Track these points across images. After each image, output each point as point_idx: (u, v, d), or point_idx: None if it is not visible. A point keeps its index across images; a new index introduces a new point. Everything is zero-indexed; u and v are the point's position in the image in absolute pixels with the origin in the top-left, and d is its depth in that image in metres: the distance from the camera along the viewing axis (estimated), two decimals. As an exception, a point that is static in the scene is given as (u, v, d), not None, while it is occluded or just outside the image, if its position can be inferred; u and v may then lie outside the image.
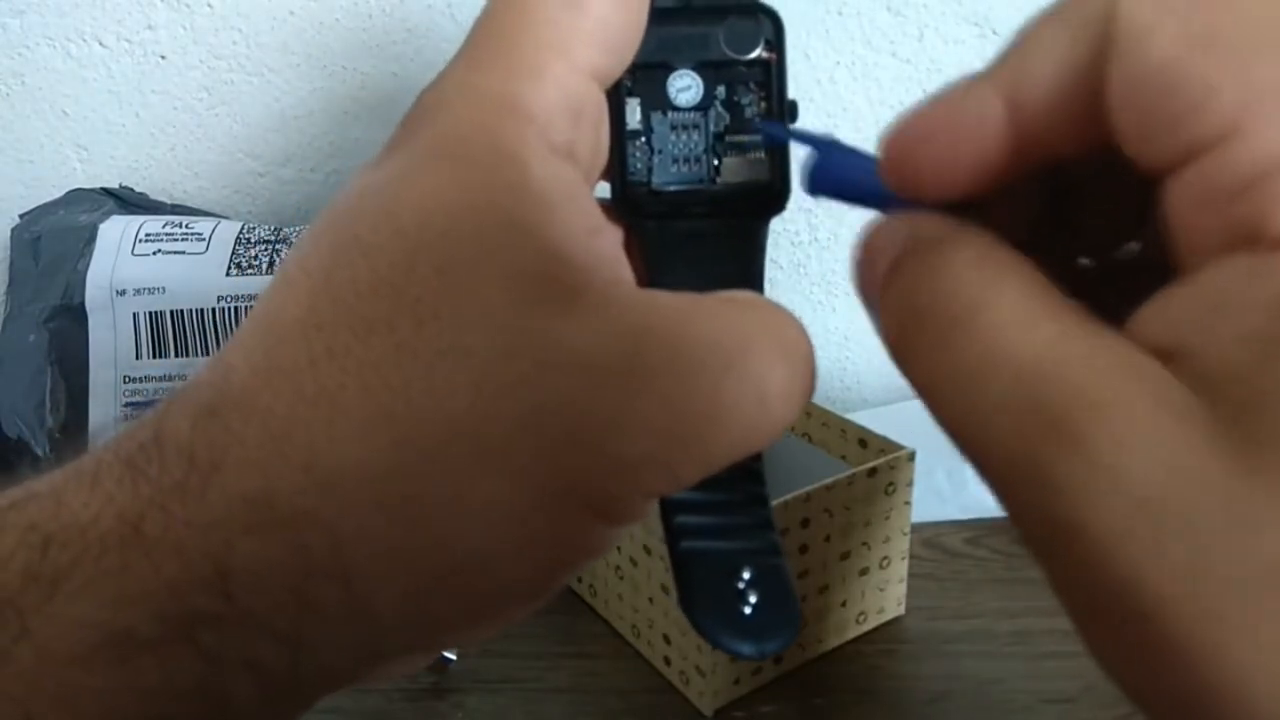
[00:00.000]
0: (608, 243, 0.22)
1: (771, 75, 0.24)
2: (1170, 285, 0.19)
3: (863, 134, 0.64)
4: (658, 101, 0.24)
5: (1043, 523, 0.17)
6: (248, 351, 0.18)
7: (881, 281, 0.21)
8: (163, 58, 0.62)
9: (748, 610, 0.22)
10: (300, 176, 0.64)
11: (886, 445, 0.46)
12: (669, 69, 0.24)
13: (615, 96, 0.23)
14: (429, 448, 0.17)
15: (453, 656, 0.44)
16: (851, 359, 0.70)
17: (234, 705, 0.17)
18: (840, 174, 0.23)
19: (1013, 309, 0.19)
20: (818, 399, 0.50)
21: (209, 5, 0.61)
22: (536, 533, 0.18)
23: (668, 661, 0.41)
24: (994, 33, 0.62)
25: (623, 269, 0.23)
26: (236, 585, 0.17)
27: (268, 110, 0.63)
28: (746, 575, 0.22)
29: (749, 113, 0.24)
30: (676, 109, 0.24)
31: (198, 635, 0.17)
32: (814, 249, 0.66)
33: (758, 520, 0.23)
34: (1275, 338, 0.17)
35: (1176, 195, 0.18)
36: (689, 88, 0.24)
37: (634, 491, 0.19)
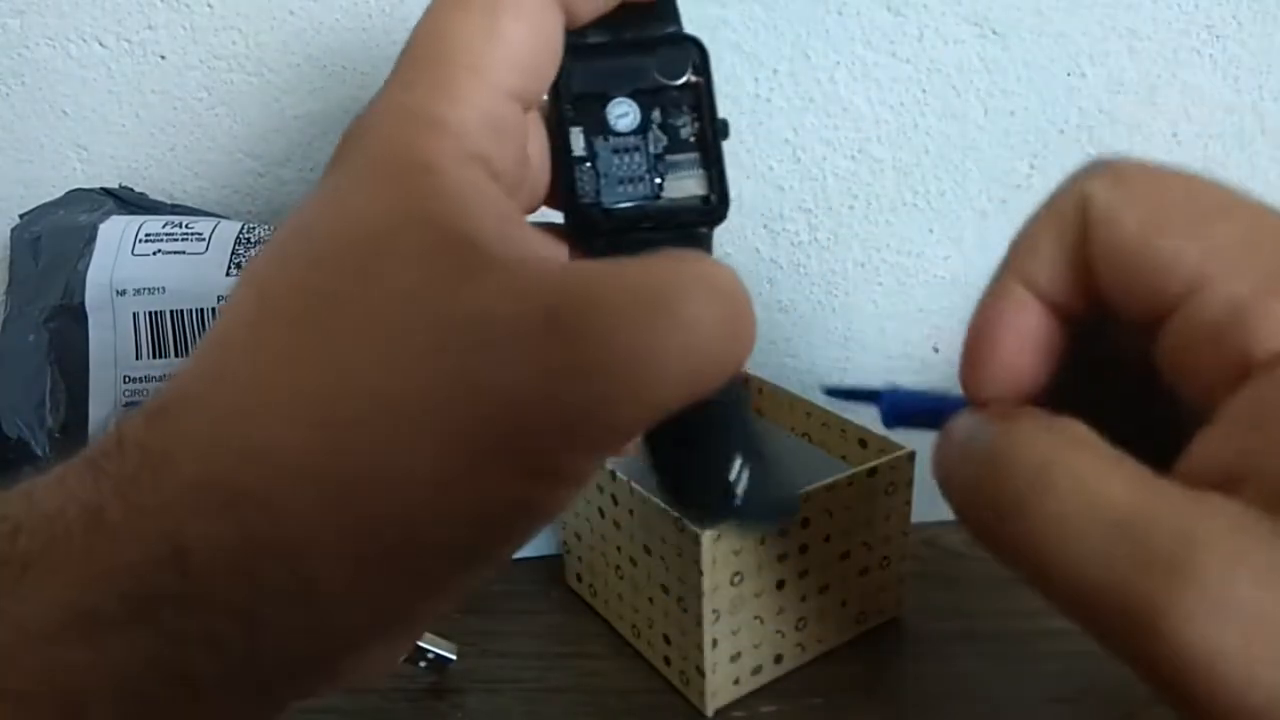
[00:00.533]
0: (526, 234, 0.22)
1: (701, 97, 0.26)
2: (1201, 430, 0.22)
3: (863, 134, 0.64)
4: (599, 128, 0.26)
5: (1160, 657, 0.19)
6: (197, 359, 0.20)
7: (961, 454, 0.25)
8: (163, 58, 0.62)
9: (737, 502, 0.23)
10: (300, 176, 0.64)
11: (886, 445, 0.46)
12: (607, 98, 0.26)
13: (559, 127, 0.25)
14: (350, 422, 0.18)
15: (453, 656, 0.44)
16: (851, 359, 0.70)
17: (199, 682, 0.18)
18: (909, 409, 0.27)
19: (1092, 463, 0.22)
20: (818, 399, 0.50)
21: (209, 5, 0.61)
22: (468, 497, 0.19)
23: (668, 661, 0.41)
24: (994, 33, 0.62)
25: (545, 253, 0.23)
26: (192, 564, 0.18)
27: (268, 110, 0.63)
28: (736, 465, 0.23)
29: (684, 133, 0.26)
30: (617, 134, 0.26)
31: (159, 613, 0.18)
32: (814, 249, 0.66)
33: (737, 419, 0.24)
34: None
35: (1168, 345, 0.23)
36: (626, 114, 0.26)
37: (568, 449, 0.19)
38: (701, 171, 0.26)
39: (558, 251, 0.26)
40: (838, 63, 0.63)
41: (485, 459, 0.18)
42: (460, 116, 0.21)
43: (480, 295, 0.19)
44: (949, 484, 0.26)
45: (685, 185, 0.26)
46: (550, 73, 0.24)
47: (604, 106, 0.26)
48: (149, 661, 0.18)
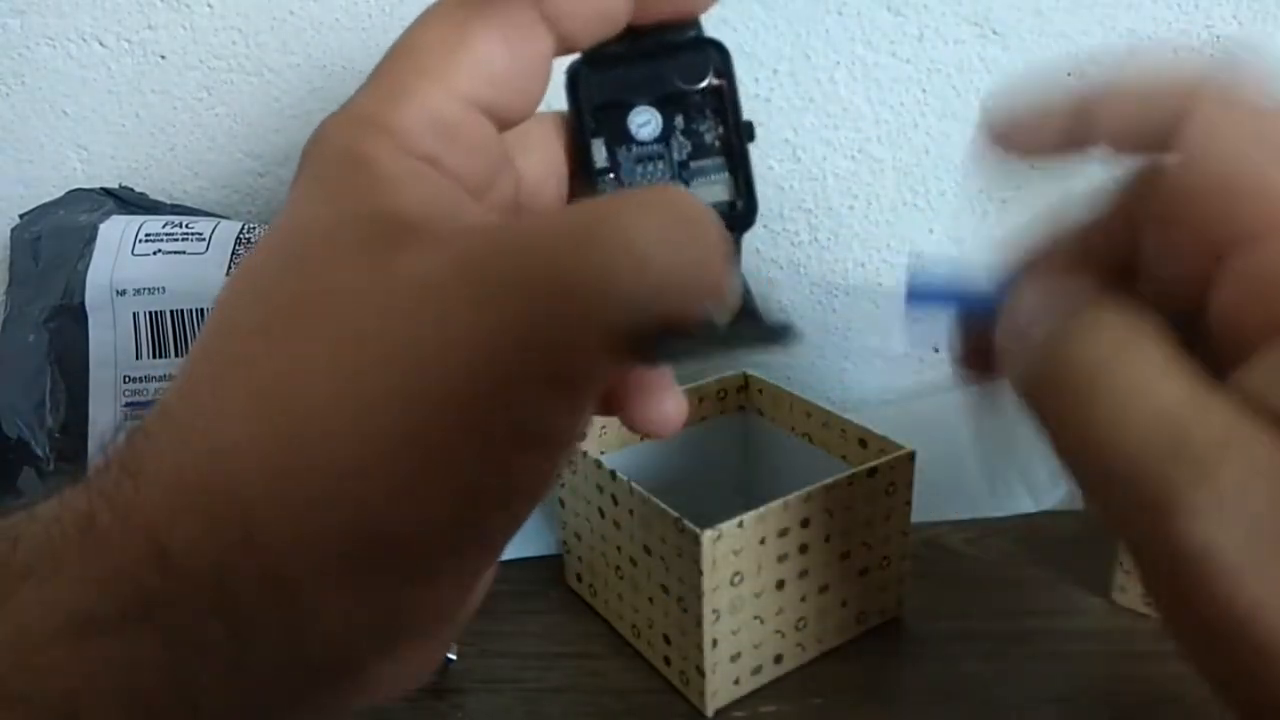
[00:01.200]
0: (470, 210, 0.22)
1: (724, 101, 0.25)
2: (1246, 364, 0.23)
3: (863, 134, 0.64)
4: (621, 138, 0.25)
5: (1167, 543, 0.20)
6: (173, 379, 0.20)
7: (1025, 342, 0.25)
8: (162, 58, 0.62)
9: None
10: (300, 176, 0.64)
11: (886, 445, 0.46)
12: (628, 106, 0.25)
13: (579, 139, 0.25)
14: (305, 415, 0.18)
15: (453, 656, 0.44)
16: (851, 359, 0.70)
17: (196, 688, 0.18)
18: (939, 285, 0.27)
19: (1150, 363, 0.23)
20: (817, 399, 0.50)
21: (209, 5, 0.61)
22: (440, 473, 0.18)
23: (668, 661, 0.41)
24: (994, 33, 0.62)
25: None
26: (173, 564, 0.18)
27: (268, 110, 0.63)
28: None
29: (708, 138, 0.26)
30: (639, 143, 0.25)
31: (155, 614, 0.18)
32: (814, 249, 0.66)
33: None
34: None
35: (1232, 281, 0.23)
36: (648, 122, 0.25)
37: (547, 395, 0.19)
38: (727, 176, 0.26)
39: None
40: (838, 63, 0.63)
41: (440, 426, 0.18)
42: (402, 117, 0.21)
43: (413, 263, 0.19)
44: (1011, 369, 0.25)
45: (711, 191, 0.26)
46: (534, 91, 0.23)
47: (625, 115, 0.25)
48: (146, 664, 0.18)
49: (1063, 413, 0.24)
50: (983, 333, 0.27)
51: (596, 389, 0.20)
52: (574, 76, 0.25)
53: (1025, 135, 0.25)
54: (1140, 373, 0.23)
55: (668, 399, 0.25)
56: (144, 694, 0.18)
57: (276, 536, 0.18)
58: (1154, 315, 0.24)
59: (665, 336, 0.19)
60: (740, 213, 0.26)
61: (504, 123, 0.23)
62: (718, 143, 0.26)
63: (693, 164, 0.26)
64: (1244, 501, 0.21)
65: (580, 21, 0.23)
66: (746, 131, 0.26)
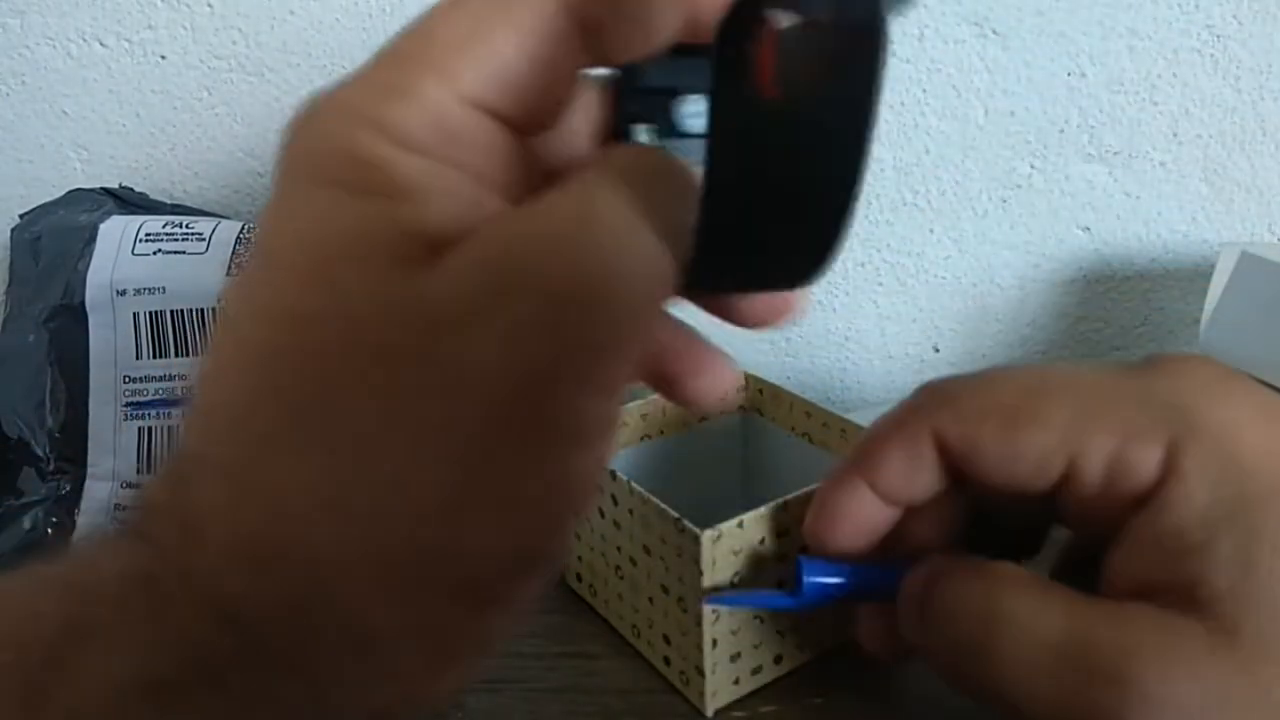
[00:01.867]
0: (489, 207, 0.21)
1: None
2: (1112, 549, 0.29)
3: (863, 134, 0.64)
4: (667, 128, 0.23)
5: None
6: (197, 413, 0.20)
7: (917, 614, 0.31)
8: (163, 58, 0.62)
9: None
10: (300, 176, 0.64)
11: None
12: (676, 94, 0.23)
13: (619, 120, 0.23)
14: (349, 446, 0.18)
15: (453, 656, 0.44)
16: (851, 359, 0.70)
17: None
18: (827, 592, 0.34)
19: (1027, 601, 0.28)
20: (818, 399, 0.50)
21: (209, 5, 0.61)
22: (492, 485, 0.18)
23: (667, 661, 0.41)
24: (994, 33, 0.62)
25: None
26: (245, 625, 0.18)
27: (268, 110, 0.63)
28: None
29: None
30: (686, 135, 0.23)
31: (225, 678, 0.18)
32: (814, 249, 0.66)
33: None
34: (1251, 562, 0.26)
35: (1066, 502, 0.30)
36: (699, 115, 0.23)
37: (579, 391, 0.18)
38: None
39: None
40: (838, 63, 0.63)
41: (498, 439, 0.18)
42: (403, 116, 0.20)
43: (440, 280, 0.18)
44: (915, 643, 0.31)
45: None
46: (554, 103, 0.21)
47: (673, 104, 0.23)
48: None
49: (964, 664, 0.29)
50: (880, 613, 0.34)
51: (626, 371, 0.19)
52: None
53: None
54: (1021, 614, 0.28)
55: (718, 370, 0.24)
56: None
57: (350, 584, 0.18)
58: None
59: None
60: None
61: (520, 129, 0.21)
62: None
63: None
64: (1170, 691, 0.25)
65: (621, 39, 0.20)
66: None
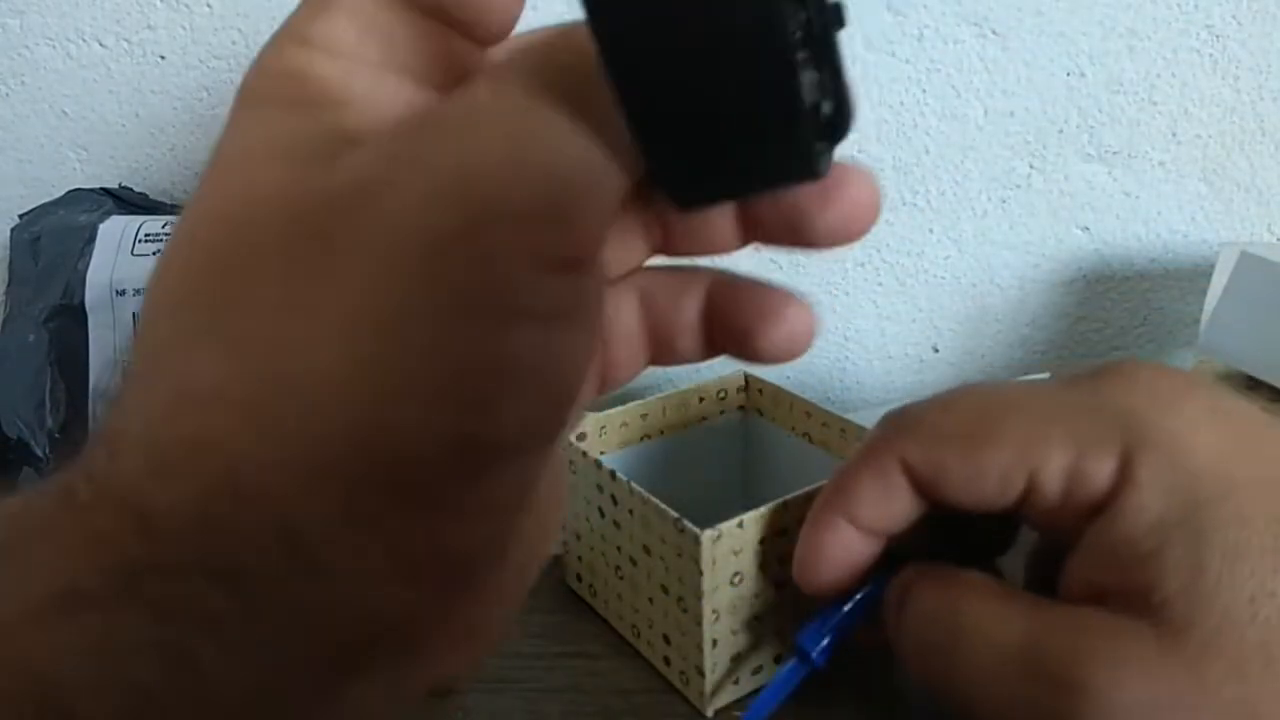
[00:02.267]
0: (402, 100, 0.20)
1: None
2: (1070, 555, 0.30)
3: (863, 134, 0.64)
4: None
5: None
6: (134, 343, 0.19)
7: (894, 623, 0.32)
8: (162, 58, 0.62)
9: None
10: (300, 176, 0.64)
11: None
12: None
13: None
14: (269, 338, 0.17)
15: (453, 656, 0.44)
16: (851, 359, 0.70)
17: (205, 672, 0.16)
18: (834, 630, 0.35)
19: (987, 609, 0.30)
20: (817, 399, 0.50)
21: (208, 5, 0.61)
22: (412, 360, 0.17)
23: (667, 661, 0.41)
24: (994, 33, 0.62)
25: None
26: (157, 526, 0.16)
27: (268, 110, 0.63)
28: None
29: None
30: None
31: (142, 586, 0.16)
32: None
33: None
34: (1201, 566, 0.26)
35: (1031, 513, 0.31)
36: None
37: (533, 263, 0.17)
38: (812, 75, 0.18)
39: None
40: (838, 63, 0.63)
41: (413, 311, 0.17)
42: (328, 25, 0.19)
43: (352, 166, 0.18)
44: (895, 648, 0.33)
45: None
46: (501, 6, 0.20)
47: None
48: (137, 644, 0.16)
49: (932, 671, 0.31)
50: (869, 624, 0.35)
51: (568, 244, 0.18)
52: None
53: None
54: (981, 623, 0.29)
55: (791, 316, 0.22)
56: (139, 678, 0.16)
57: (269, 480, 0.17)
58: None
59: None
60: (829, 119, 0.18)
61: (466, 30, 0.20)
62: (798, 33, 0.18)
63: None
64: (1121, 695, 0.26)
65: None
66: (835, 16, 0.18)
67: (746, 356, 0.23)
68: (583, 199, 0.18)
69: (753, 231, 0.23)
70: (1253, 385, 0.53)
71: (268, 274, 0.17)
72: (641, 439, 0.51)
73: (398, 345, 0.17)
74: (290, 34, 0.20)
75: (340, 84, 0.19)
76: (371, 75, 0.20)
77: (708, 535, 0.36)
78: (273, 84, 0.20)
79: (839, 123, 0.19)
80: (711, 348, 0.24)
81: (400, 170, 0.17)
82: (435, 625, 0.19)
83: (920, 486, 0.32)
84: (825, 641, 0.35)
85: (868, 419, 0.51)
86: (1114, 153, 0.65)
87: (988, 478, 0.31)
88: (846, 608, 0.35)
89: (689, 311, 0.23)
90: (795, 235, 0.21)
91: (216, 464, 0.17)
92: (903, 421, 0.34)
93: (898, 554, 0.34)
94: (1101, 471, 0.29)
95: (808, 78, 0.17)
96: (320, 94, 0.19)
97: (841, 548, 0.34)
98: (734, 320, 0.23)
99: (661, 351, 0.24)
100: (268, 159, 0.19)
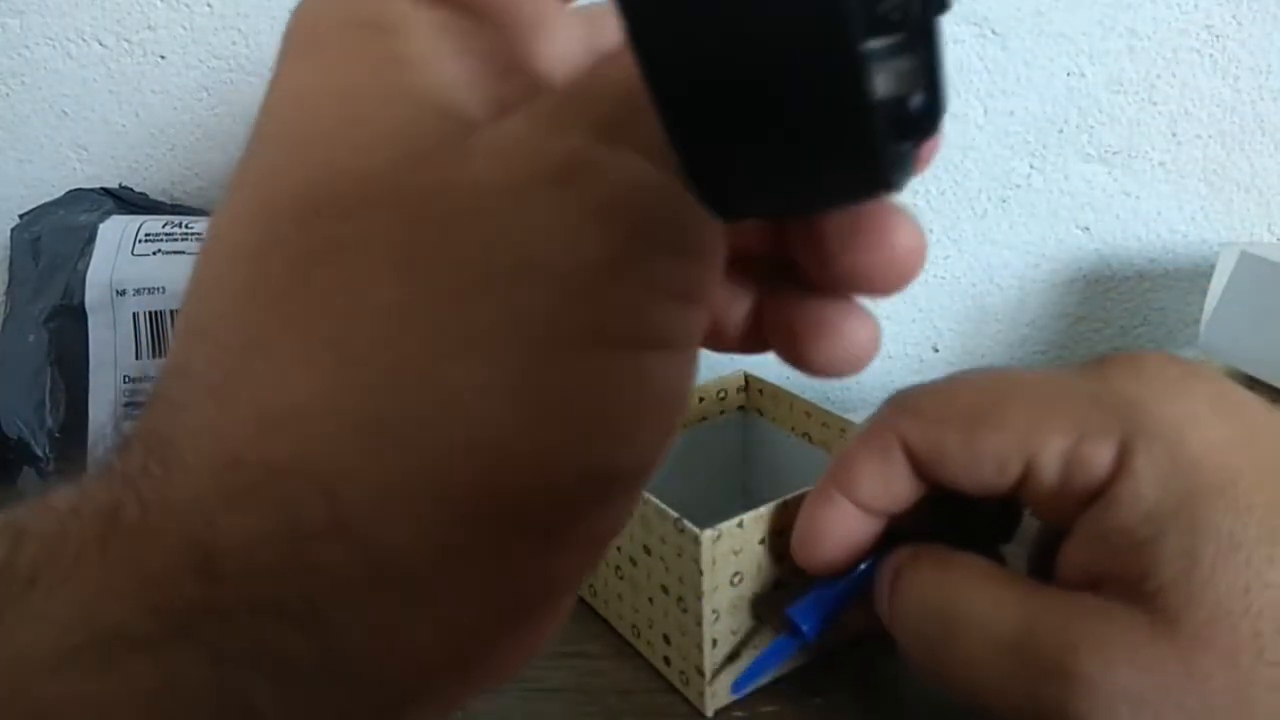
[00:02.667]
0: (508, 87, 0.18)
1: None
2: (1065, 541, 0.30)
3: (863, 134, 0.64)
4: None
5: None
6: (180, 335, 0.17)
7: (887, 607, 0.33)
8: (162, 58, 0.62)
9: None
10: (300, 176, 0.64)
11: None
12: None
13: None
14: (369, 352, 0.15)
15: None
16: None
17: (264, 713, 0.14)
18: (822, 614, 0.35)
19: (982, 595, 0.30)
20: (817, 399, 0.50)
21: (209, 5, 0.61)
22: (541, 387, 0.15)
23: (667, 661, 0.41)
24: (994, 33, 0.62)
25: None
26: (227, 566, 0.14)
27: (268, 110, 0.63)
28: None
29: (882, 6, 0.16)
30: None
31: (197, 629, 0.14)
32: (814, 249, 0.66)
33: None
34: (1195, 555, 0.26)
35: (1028, 497, 0.31)
36: None
37: (639, 297, 0.16)
38: (904, 61, 0.15)
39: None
40: (838, 63, 0.63)
41: (558, 337, 0.15)
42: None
43: (467, 164, 0.16)
44: (888, 630, 0.33)
45: (880, 82, 0.15)
46: None
47: None
48: (189, 689, 0.14)
49: (926, 656, 0.31)
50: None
51: (712, 280, 0.17)
52: None
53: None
54: (975, 611, 0.29)
55: (854, 330, 0.20)
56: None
57: (372, 510, 0.15)
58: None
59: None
60: (915, 113, 0.15)
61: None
62: (894, 12, 0.15)
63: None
64: (1114, 683, 0.26)
65: None
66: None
67: (800, 368, 0.21)
68: (709, 231, 0.17)
69: (777, 251, 0.21)
70: (1253, 385, 0.53)
71: (377, 275, 0.15)
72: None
73: (543, 367, 0.15)
74: None
75: (435, 45, 0.17)
76: (459, 41, 0.18)
77: (708, 535, 0.36)
78: (356, 32, 0.17)
79: (926, 121, 0.15)
80: (760, 345, 0.22)
81: (547, 185, 0.15)
82: (505, 654, 0.18)
83: (920, 467, 0.32)
84: (815, 616, 0.35)
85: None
86: (1114, 153, 0.65)
87: (985, 460, 0.31)
88: (839, 584, 0.35)
89: (739, 311, 0.21)
90: (822, 276, 0.19)
91: (311, 492, 0.15)
92: (905, 402, 0.34)
93: (899, 535, 0.34)
94: (1099, 458, 0.29)
95: (890, 65, 0.14)
96: (409, 56, 0.17)
97: (840, 524, 0.34)
98: (787, 328, 0.20)
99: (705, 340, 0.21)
100: (369, 136, 0.16)
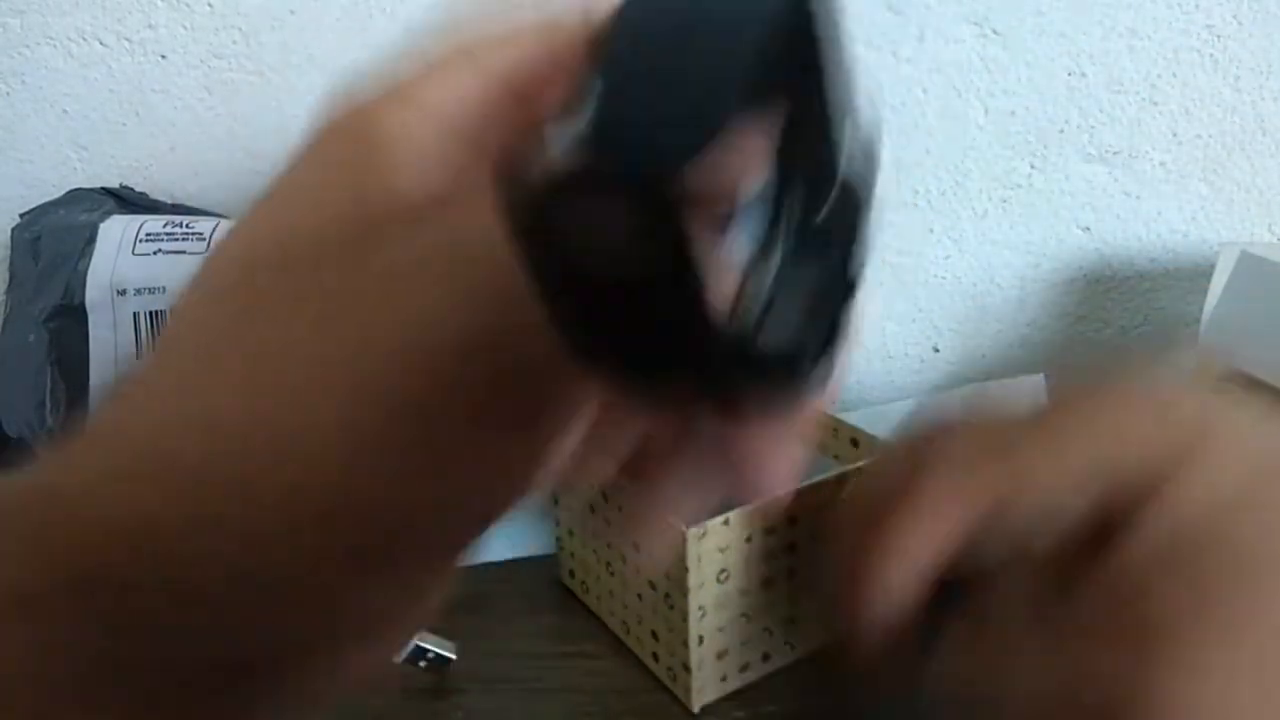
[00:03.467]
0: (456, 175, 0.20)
1: None
2: (1077, 588, 0.28)
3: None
4: None
5: None
6: (151, 352, 0.20)
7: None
8: (163, 57, 0.63)
9: None
10: (300, 176, 0.64)
11: (878, 445, 0.46)
12: None
13: None
14: (290, 386, 0.17)
15: (453, 656, 0.44)
16: (851, 358, 0.70)
17: (138, 671, 0.17)
18: None
19: (1027, 657, 0.28)
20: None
21: (209, 5, 0.61)
22: (383, 447, 0.17)
23: (656, 658, 0.41)
24: (994, 33, 0.62)
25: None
26: (120, 538, 0.17)
27: (268, 110, 0.63)
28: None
29: None
30: None
31: (98, 594, 0.17)
32: (813, 249, 0.66)
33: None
34: (1205, 600, 0.26)
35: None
36: None
37: (516, 379, 0.17)
38: (776, 312, 0.16)
39: None
40: (836, 62, 0.63)
41: (402, 411, 0.17)
42: (439, 96, 0.19)
43: (388, 259, 0.18)
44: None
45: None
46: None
47: None
48: (89, 651, 0.17)
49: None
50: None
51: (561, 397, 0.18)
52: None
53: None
54: (1021, 673, 0.28)
55: (777, 459, 0.21)
56: (83, 683, 0.17)
57: (266, 518, 0.17)
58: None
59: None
60: (781, 355, 0.16)
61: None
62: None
63: None
64: None
65: None
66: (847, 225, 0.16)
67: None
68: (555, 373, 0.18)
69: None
70: (1253, 385, 0.52)
71: (303, 339, 0.18)
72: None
73: (393, 430, 0.17)
74: (389, 88, 0.20)
75: (412, 149, 0.19)
76: (444, 146, 0.20)
77: (693, 532, 0.36)
78: (347, 141, 0.20)
79: (792, 365, 0.15)
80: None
81: (434, 274, 0.17)
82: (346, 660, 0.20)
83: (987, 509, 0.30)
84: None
85: (867, 419, 0.51)
86: (1115, 153, 0.64)
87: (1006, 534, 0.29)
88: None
89: (630, 440, 0.22)
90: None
91: (218, 490, 0.17)
92: (958, 457, 0.30)
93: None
94: (1116, 504, 0.28)
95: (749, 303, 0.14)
96: (384, 160, 0.19)
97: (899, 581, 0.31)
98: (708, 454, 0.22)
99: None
100: (317, 199, 0.19)
